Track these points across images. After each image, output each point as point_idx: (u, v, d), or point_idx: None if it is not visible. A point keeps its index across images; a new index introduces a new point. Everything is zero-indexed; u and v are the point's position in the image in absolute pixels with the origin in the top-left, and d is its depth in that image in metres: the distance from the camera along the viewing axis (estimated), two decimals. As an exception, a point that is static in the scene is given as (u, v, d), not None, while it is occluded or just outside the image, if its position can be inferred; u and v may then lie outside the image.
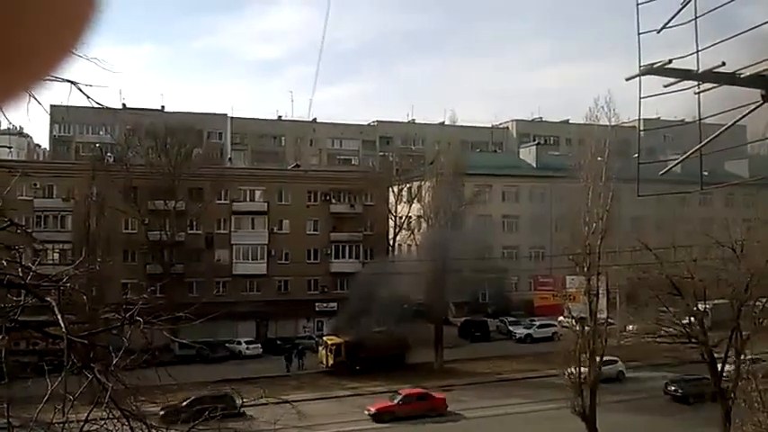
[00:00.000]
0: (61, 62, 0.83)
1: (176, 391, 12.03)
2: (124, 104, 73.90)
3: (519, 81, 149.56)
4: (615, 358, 39.79)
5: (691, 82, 6.68)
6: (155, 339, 10.23)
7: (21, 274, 8.40)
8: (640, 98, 6.96)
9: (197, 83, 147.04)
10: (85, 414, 9.19)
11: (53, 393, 8.30)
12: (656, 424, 32.87)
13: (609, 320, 32.83)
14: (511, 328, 56.85)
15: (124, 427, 9.06)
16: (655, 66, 6.42)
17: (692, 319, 29.83)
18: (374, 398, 39.74)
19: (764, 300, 28.82)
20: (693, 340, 30.40)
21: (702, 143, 7.25)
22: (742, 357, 26.94)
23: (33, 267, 8.66)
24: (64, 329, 7.30)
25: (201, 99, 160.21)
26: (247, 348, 51.16)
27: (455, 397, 39.35)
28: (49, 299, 8.00)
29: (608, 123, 30.53)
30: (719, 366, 29.06)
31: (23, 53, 0.76)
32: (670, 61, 6.34)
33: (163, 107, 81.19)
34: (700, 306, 29.57)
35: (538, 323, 55.33)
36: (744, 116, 6.73)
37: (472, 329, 55.61)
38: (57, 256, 43.38)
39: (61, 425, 8.84)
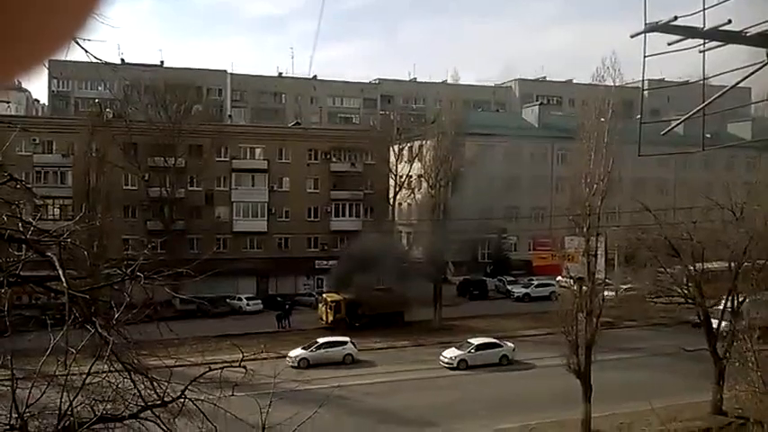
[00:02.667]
0: (77, 33, 0.82)
1: (177, 345, 12.18)
2: (123, 59, 73.06)
3: (523, 40, 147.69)
4: (496, 341, 38.75)
5: (696, 41, 6.58)
6: (156, 294, 10.31)
7: (21, 229, 8.42)
8: (645, 56, 6.88)
9: (197, 39, 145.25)
10: (88, 367, 9.34)
11: (55, 347, 8.42)
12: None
13: (606, 281, 33.07)
14: (509, 287, 57.35)
15: (125, 380, 9.22)
16: (659, 23, 6.32)
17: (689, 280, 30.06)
18: (372, 353, 40.34)
19: (760, 266, 28.98)
20: (690, 301, 30.67)
21: (705, 103, 7.19)
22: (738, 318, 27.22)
23: (34, 222, 8.67)
24: (65, 284, 7.35)
25: (201, 55, 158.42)
26: (248, 304, 51.71)
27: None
28: (49, 254, 8.04)
29: (612, 84, 30.19)
30: (715, 326, 29.41)
31: (40, 25, 0.76)
32: (675, 18, 6.23)
33: (162, 62, 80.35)
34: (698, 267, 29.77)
35: (536, 282, 55.78)
36: (748, 76, 6.66)
37: (471, 288, 56.10)
38: (57, 211, 43.48)
39: (64, 377, 8.98)
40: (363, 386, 32.86)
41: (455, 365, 36.84)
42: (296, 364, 36.12)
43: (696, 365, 31.56)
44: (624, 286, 39.15)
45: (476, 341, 38.52)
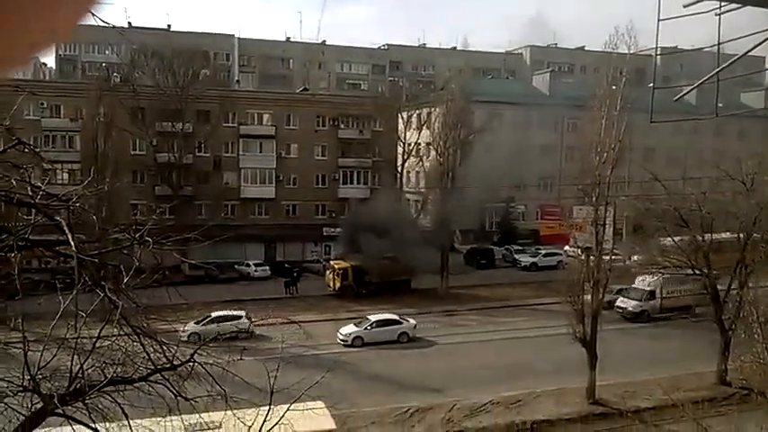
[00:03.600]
0: (82, 16, 0.81)
1: (186, 309, 12.28)
2: (130, 23, 72.60)
3: (535, 5, 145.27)
4: (396, 317, 36.83)
5: (712, 5, 6.41)
6: (164, 260, 10.36)
7: (30, 194, 8.43)
8: (659, 20, 6.73)
9: (204, 2, 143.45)
10: (97, 330, 9.44)
11: (65, 310, 8.49)
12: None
13: (614, 251, 33.01)
14: (516, 256, 57.38)
15: (135, 343, 9.33)
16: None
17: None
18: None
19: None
20: (697, 272, 30.64)
21: (720, 68, 7.05)
22: (745, 289, 27.19)
23: (43, 187, 8.67)
24: (74, 248, 7.38)
25: (209, 19, 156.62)
26: (256, 270, 52.04)
27: (457, 321, 40.18)
28: (58, 218, 8.05)
29: (626, 51, 29.73)
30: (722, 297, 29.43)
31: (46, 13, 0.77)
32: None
33: (169, 26, 79.70)
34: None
35: (543, 252, 55.83)
36: (765, 41, 6.50)
37: (478, 257, 56.20)
38: (66, 176, 43.61)
39: (74, 340, 9.08)
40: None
41: (350, 343, 35.24)
42: (186, 339, 30.56)
43: (703, 335, 31.72)
44: (635, 257, 39.31)
45: (375, 318, 36.79)
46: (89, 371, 9.52)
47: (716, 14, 6.47)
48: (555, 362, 30.81)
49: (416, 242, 46.01)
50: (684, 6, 6.41)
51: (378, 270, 45.58)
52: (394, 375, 31.10)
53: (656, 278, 39.03)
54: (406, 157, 58.84)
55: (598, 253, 28.08)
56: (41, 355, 9.47)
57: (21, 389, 9.20)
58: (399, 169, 59.24)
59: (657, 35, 6.80)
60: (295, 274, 48.78)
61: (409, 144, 58.68)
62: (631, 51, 28.81)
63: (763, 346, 17.96)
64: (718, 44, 7.00)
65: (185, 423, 12.14)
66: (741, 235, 29.40)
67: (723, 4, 6.27)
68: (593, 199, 28.35)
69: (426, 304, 43.20)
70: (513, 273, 54.11)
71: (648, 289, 40.31)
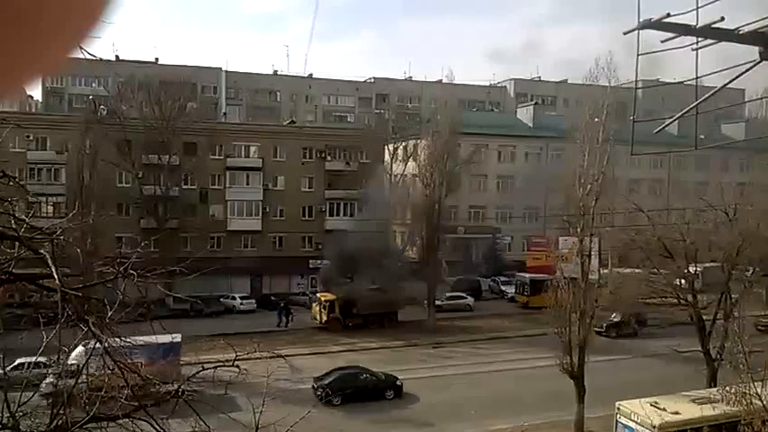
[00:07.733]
0: (80, 41, 0.82)
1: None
2: (117, 56, 72.89)
3: (519, 39, 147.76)
4: None
5: (689, 39, 6.59)
6: (149, 293, 10.27)
7: (14, 227, 8.36)
8: (638, 54, 6.90)
9: (192, 35, 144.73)
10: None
11: (48, 345, 8.37)
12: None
13: (599, 282, 33.09)
14: (503, 287, 57.38)
15: (118, 378, 9.18)
16: (653, 20, 6.33)
17: (683, 281, 30.10)
18: (366, 353, 40.34)
19: (752, 268, 29.05)
20: (683, 302, 30.74)
21: (698, 101, 7.21)
22: (730, 320, 27.27)
23: (27, 219, 8.62)
24: (58, 282, 7.31)
25: (196, 52, 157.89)
26: (242, 304, 51.59)
27: (446, 353, 39.89)
28: (42, 251, 7.98)
29: (607, 84, 30.24)
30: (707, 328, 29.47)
31: (46, 35, 0.76)
32: (668, 15, 6.25)
33: (157, 59, 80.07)
34: (690, 269, 29.82)
35: (530, 283, 55.78)
36: (741, 75, 6.68)
37: (465, 288, 56.10)
38: (50, 208, 43.29)
39: (56, 376, 8.93)
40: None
41: None
42: None
43: (689, 366, 31.67)
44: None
45: None
46: (71, 407, 9.35)
47: (692, 50, 6.64)
48: (541, 394, 30.61)
49: (403, 274, 45.91)
50: (662, 41, 6.58)
51: (365, 302, 45.36)
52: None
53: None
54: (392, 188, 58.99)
55: (584, 284, 28.13)
56: (22, 391, 9.30)
57: (0, 427, 9.01)
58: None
59: (637, 69, 6.99)
60: (285, 305, 48.29)
61: (396, 175, 58.94)
62: (612, 84, 29.32)
63: (749, 376, 17.98)
64: (696, 78, 7.17)
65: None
66: (725, 265, 29.60)
67: (700, 39, 6.44)
68: (578, 230, 28.52)
69: (413, 336, 42.95)
70: (500, 304, 54.00)
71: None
